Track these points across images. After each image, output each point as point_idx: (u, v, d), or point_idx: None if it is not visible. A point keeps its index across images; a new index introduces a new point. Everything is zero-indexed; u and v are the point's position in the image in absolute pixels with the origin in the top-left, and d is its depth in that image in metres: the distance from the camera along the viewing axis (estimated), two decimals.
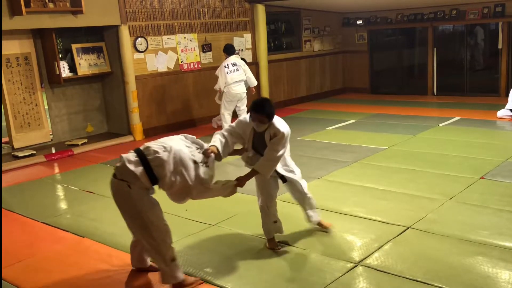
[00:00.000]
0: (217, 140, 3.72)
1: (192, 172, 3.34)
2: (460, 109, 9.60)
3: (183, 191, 3.41)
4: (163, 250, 3.39)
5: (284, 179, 4.02)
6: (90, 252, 4.28)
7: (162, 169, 3.27)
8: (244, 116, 3.90)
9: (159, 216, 3.41)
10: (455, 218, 4.45)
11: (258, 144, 3.84)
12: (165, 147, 3.32)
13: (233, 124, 3.91)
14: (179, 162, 3.30)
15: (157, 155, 3.27)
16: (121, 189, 3.29)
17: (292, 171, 4.04)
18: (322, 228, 4.30)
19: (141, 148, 3.38)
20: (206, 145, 3.57)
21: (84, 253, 4.29)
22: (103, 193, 5.81)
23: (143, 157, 3.29)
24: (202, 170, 3.40)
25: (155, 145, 3.35)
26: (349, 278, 3.54)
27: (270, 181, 3.95)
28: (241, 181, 3.78)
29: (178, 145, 3.36)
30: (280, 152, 3.75)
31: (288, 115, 10.15)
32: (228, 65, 8.11)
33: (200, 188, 3.43)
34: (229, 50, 8.35)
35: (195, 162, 3.36)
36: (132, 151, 3.40)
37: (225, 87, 8.14)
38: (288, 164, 4.03)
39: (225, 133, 3.80)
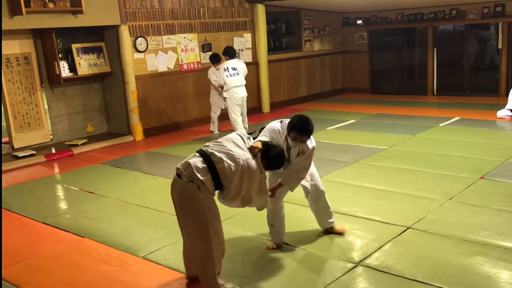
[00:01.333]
0: (260, 137, 3.65)
1: (257, 183, 3.28)
2: (460, 109, 9.60)
3: (244, 200, 3.33)
4: (214, 262, 3.25)
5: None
6: (90, 252, 4.28)
7: (228, 181, 3.20)
8: (275, 126, 3.76)
9: (220, 226, 3.31)
10: (455, 218, 4.45)
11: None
12: (232, 155, 3.22)
13: (265, 133, 3.77)
14: (247, 173, 3.22)
15: (225, 165, 3.17)
16: (190, 190, 3.17)
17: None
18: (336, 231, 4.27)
19: (207, 152, 3.25)
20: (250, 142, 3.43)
21: (84, 253, 4.29)
22: (103, 193, 5.82)
23: (210, 164, 3.19)
24: (263, 179, 3.34)
25: (220, 151, 3.24)
26: (349, 278, 3.54)
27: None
28: (272, 192, 3.74)
29: (244, 153, 3.27)
30: (307, 167, 3.77)
31: (288, 115, 10.15)
32: (228, 68, 7.90)
33: (257, 197, 3.37)
34: (231, 52, 8.12)
35: (260, 171, 3.29)
36: (197, 154, 3.29)
37: (226, 91, 7.96)
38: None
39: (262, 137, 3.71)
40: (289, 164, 3.79)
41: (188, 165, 3.21)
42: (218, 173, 3.19)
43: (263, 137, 3.74)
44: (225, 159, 3.20)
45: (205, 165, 3.19)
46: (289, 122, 3.66)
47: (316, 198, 4.13)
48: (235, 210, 4.84)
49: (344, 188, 5.44)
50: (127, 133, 8.79)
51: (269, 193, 3.68)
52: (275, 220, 4.03)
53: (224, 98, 8.11)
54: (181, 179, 3.22)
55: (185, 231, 3.37)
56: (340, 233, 4.22)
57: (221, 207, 3.40)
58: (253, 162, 3.26)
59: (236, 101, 7.99)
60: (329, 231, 4.27)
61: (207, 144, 3.39)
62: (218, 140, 3.39)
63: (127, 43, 8.39)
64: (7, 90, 7.72)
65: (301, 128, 3.60)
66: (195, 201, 3.18)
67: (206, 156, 3.24)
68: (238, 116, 8.03)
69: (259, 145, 3.39)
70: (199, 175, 3.15)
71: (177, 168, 3.27)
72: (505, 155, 6.25)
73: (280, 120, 3.85)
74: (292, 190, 3.89)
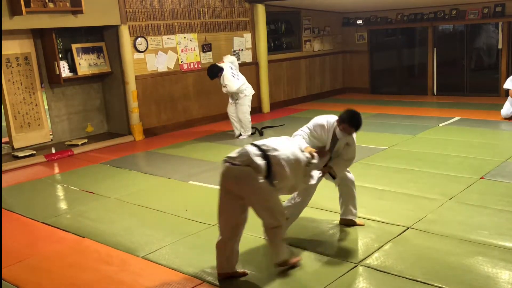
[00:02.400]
0: (303, 141, 3.93)
1: (301, 173, 3.57)
2: (460, 109, 9.60)
3: (292, 189, 3.68)
4: (281, 228, 3.53)
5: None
6: (90, 252, 4.28)
7: (280, 167, 3.43)
8: (322, 121, 4.07)
9: (278, 198, 3.58)
10: (455, 218, 4.45)
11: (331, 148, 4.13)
12: (282, 145, 3.52)
13: (310, 127, 4.07)
14: (294, 164, 3.48)
15: (277, 153, 3.44)
16: (248, 172, 3.39)
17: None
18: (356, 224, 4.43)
19: (258, 143, 3.53)
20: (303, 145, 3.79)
21: (84, 253, 4.29)
22: (103, 193, 5.82)
23: (263, 152, 3.44)
24: (309, 171, 3.66)
25: (271, 143, 3.52)
26: (349, 278, 3.55)
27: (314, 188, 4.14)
28: (323, 172, 3.99)
29: (293, 146, 3.57)
30: (354, 157, 4.19)
31: (288, 115, 10.16)
32: (233, 74, 8.05)
33: (300, 184, 3.70)
34: (213, 72, 8.05)
35: (307, 164, 3.57)
36: (250, 144, 3.54)
37: (245, 89, 8.14)
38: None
39: (305, 136, 4.02)
40: (331, 155, 4.09)
41: (245, 152, 3.46)
42: (270, 161, 3.42)
43: (302, 131, 4.04)
44: (276, 147, 3.48)
45: (260, 152, 3.44)
46: (343, 114, 4.03)
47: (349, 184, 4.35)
48: None
49: None
50: (127, 133, 8.79)
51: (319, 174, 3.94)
52: (294, 213, 4.18)
53: (237, 98, 8.15)
54: (236, 166, 3.42)
55: (239, 219, 3.54)
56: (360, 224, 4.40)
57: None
58: (300, 153, 3.55)
59: (250, 97, 8.28)
60: (348, 223, 4.40)
61: (252, 143, 3.61)
62: (264, 140, 3.66)
63: (127, 43, 8.39)
64: (7, 90, 7.72)
65: (352, 122, 3.99)
66: (254, 179, 3.39)
67: (258, 146, 3.50)
68: (249, 114, 8.29)
69: (314, 150, 3.77)
70: (257, 159, 3.39)
71: (229, 157, 3.49)
72: (505, 155, 6.25)
73: (326, 118, 4.14)
74: (336, 177, 4.12)
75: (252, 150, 3.46)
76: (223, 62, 8.27)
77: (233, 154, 3.51)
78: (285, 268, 3.65)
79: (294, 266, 3.69)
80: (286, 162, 3.45)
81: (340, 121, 4.01)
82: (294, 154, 3.51)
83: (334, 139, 4.06)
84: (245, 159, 3.41)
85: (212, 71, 8.13)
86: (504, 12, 10.30)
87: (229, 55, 8.56)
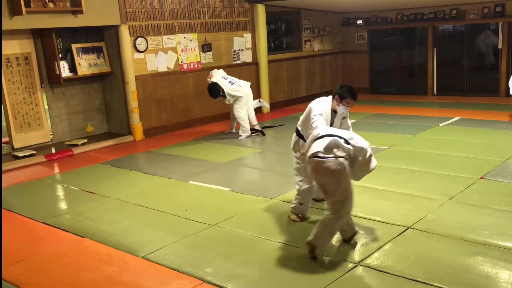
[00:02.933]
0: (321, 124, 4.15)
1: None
2: (460, 109, 9.60)
3: (365, 168, 3.96)
4: (341, 220, 3.83)
5: None
6: (90, 252, 4.28)
7: (361, 151, 3.85)
8: (321, 107, 4.26)
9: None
10: (455, 218, 4.46)
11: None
12: (353, 134, 4.01)
13: (321, 112, 4.25)
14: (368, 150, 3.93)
15: (356, 143, 3.85)
16: (342, 165, 3.76)
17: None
18: None
19: (344, 136, 3.85)
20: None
21: (84, 253, 4.29)
22: (103, 193, 5.82)
23: (349, 144, 3.83)
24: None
25: (345, 134, 3.92)
26: (349, 278, 3.55)
27: None
28: None
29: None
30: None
31: (288, 115, 10.16)
32: (231, 82, 8.14)
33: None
34: (213, 92, 8.17)
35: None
36: (332, 137, 3.81)
37: (243, 91, 8.28)
38: None
39: (324, 122, 4.23)
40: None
41: (334, 143, 3.78)
42: (352, 147, 3.84)
43: (322, 122, 4.18)
44: (354, 138, 3.91)
45: (343, 140, 3.81)
46: (342, 92, 4.29)
47: None
48: (235, 210, 4.87)
49: None
50: (127, 133, 8.79)
51: None
52: (305, 199, 4.47)
53: (238, 99, 8.22)
54: (327, 158, 3.73)
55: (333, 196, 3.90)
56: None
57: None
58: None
59: (245, 96, 8.35)
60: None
61: (323, 132, 3.90)
62: (331, 130, 3.98)
63: (127, 43, 8.39)
64: (7, 90, 7.72)
65: (353, 94, 4.32)
66: (344, 172, 3.77)
67: (343, 139, 3.83)
68: (244, 113, 8.35)
69: None
70: (348, 146, 3.79)
71: (317, 152, 3.76)
72: (505, 155, 6.25)
73: (322, 103, 4.32)
74: None
75: (341, 141, 3.81)
76: (212, 76, 8.30)
77: (319, 148, 3.78)
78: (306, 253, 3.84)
79: (313, 258, 3.82)
80: (362, 144, 3.88)
81: (341, 98, 4.27)
82: (367, 144, 3.92)
83: (332, 115, 4.34)
84: (336, 149, 3.76)
85: (213, 91, 8.17)
86: (504, 12, 10.30)
87: (215, 70, 8.49)
